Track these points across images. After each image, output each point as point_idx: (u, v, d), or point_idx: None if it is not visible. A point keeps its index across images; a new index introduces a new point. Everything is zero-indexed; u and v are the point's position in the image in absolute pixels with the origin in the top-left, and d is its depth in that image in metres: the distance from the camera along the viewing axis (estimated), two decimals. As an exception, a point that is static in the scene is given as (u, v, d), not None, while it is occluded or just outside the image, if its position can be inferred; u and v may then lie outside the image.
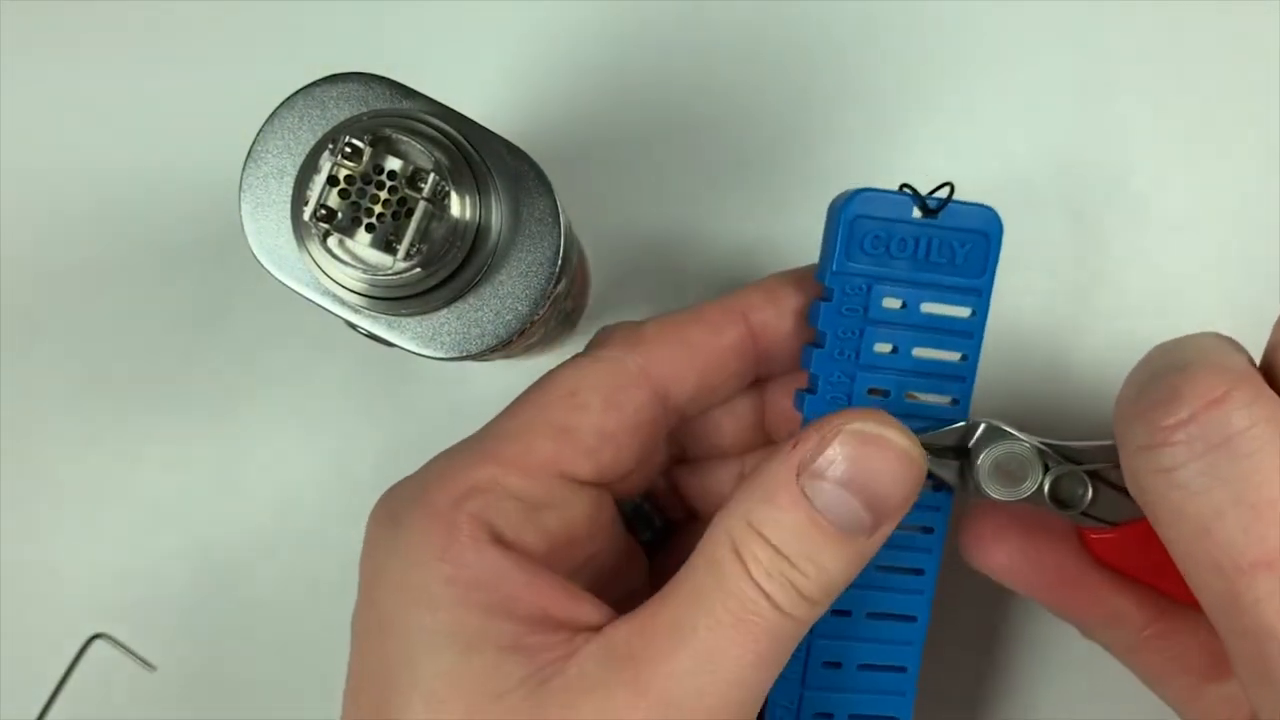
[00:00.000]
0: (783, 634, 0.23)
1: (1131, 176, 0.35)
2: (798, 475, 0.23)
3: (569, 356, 0.35)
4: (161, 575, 0.35)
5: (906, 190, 0.25)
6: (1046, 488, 0.25)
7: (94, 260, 0.35)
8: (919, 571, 0.27)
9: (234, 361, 0.35)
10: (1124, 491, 0.25)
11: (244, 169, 0.24)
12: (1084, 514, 0.26)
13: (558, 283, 0.25)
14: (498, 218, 0.24)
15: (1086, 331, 0.35)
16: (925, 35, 0.35)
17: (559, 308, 0.28)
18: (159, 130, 0.35)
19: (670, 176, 0.35)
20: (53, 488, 0.35)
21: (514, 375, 0.35)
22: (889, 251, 0.25)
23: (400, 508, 0.25)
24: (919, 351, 0.26)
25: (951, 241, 0.25)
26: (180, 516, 0.35)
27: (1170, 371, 0.22)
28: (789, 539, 0.23)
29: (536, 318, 0.25)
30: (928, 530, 0.27)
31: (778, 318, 0.27)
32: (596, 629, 0.23)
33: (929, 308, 0.25)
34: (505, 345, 0.25)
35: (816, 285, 0.26)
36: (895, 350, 0.26)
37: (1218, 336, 0.23)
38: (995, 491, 0.25)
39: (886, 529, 0.24)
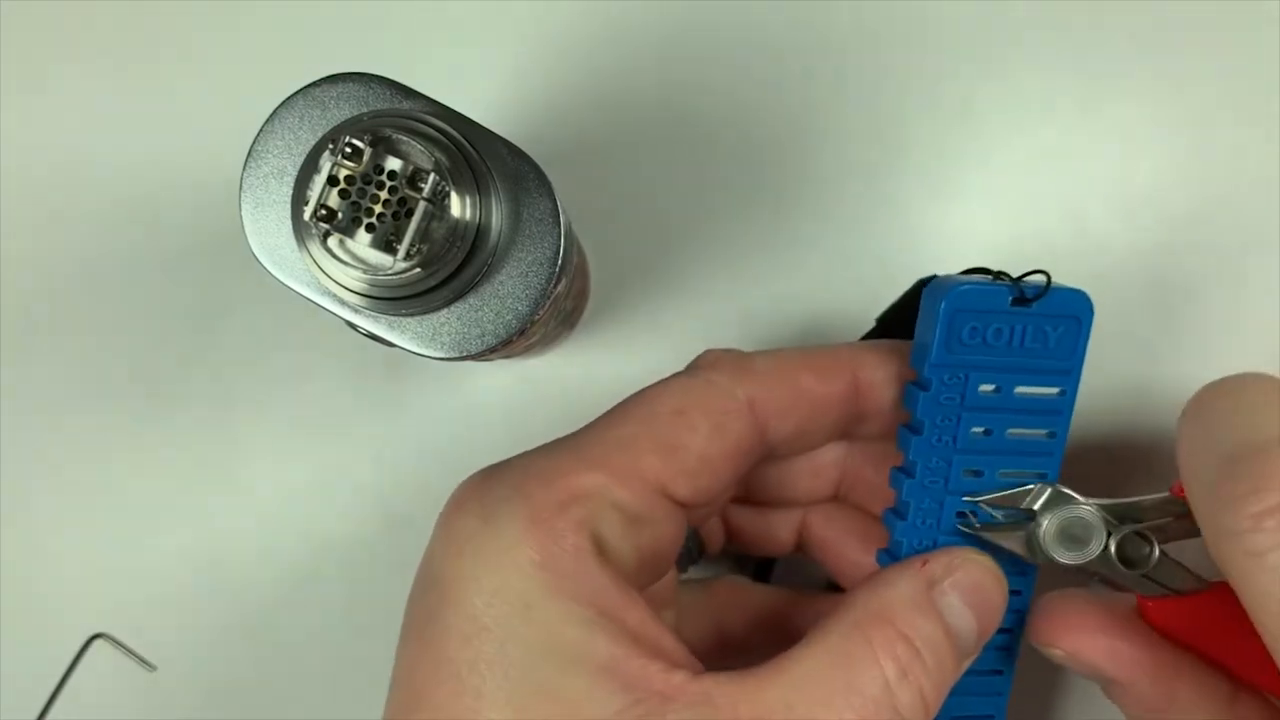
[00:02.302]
0: None
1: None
2: (929, 588, 0.25)
3: (571, 358, 0.35)
4: (161, 575, 0.35)
5: (1003, 279, 0.25)
6: (1113, 549, 0.26)
7: (94, 260, 0.35)
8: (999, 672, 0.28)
9: (234, 361, 0.35)
10: (1181, 564, 0.26)
11: (244, 169, 0.24)
12: (1146, 577, 0.26)
13: (558, 283, 0.25)
14: (498, 218, 0.24)
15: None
16: (930, 41, 0.35)
17: (559, 308, 0.28)
18: (159, 130, 0.35)
19: (671, 177, 0.35)
20: (53, 488, 0.35)
21: (514, 375, 0.35)
22: (985, 341, 0.25)
23: (495, 502, 0.24)
24: (1012, 432, 0.26)
25: (1044, 326, 0.25)
26: (180, 516, 0.35)
27: (1249, 452, 0.23)
28: (927, 645, 0.24)
29: (536, 318, 0.25)
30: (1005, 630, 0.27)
31: (886, 382, 0.27)
32: (685, 668, 0.23)
33: (1022, 390, 0.26)
34: (505, 345, 0.25)
35: (911, 369, 0.26)
36: (989, 432, 0.26)
37: (1270, 384, 0.24)
38: (1061, 555, 0.26)
39: (976, 654, 0.25)
